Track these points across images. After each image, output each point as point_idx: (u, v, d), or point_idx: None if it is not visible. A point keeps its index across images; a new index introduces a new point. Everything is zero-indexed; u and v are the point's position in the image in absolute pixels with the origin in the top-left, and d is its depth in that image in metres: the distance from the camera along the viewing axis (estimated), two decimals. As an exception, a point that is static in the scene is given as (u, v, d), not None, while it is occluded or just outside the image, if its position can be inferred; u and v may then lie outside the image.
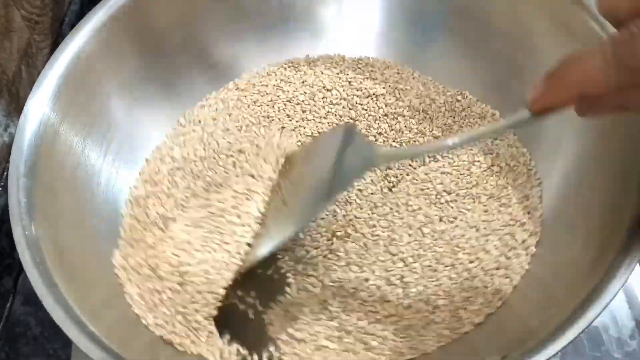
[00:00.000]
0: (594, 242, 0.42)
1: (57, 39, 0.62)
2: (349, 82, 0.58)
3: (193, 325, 0.43)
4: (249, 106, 0.57)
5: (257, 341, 0.45)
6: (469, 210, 0.50)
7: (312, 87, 0.58)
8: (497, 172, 0.52)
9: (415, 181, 0.52)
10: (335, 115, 0.56)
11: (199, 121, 0.56)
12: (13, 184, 0.42)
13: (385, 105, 0.56)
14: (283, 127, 0.55)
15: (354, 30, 0.59)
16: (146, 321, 0.43)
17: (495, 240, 0.48)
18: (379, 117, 0.56)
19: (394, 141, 0.55)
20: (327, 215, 0.51)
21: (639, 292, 0.52)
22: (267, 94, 0.57)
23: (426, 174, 0.52)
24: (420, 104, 0.56)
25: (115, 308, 0.43)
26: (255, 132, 0.55)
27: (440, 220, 0.50)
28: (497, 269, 0.47)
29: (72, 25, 0.50)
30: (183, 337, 0.43)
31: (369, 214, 0.50)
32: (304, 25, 0.59)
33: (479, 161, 0.53)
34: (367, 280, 0.47)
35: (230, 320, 0.45)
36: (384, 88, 0.57)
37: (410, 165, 0.53)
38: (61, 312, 0.38)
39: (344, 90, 0.57)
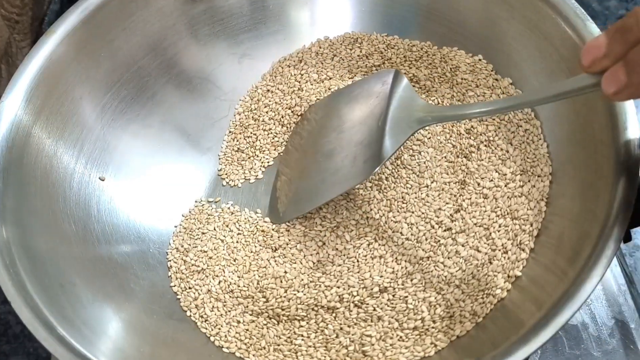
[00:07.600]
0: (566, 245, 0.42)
1: (36, 39, 0.62)
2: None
3: None
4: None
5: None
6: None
7: None
8: None
9: None
10: None
11: None
12: (-17, 187, 0.42)
13: None
14: None
15: (326, 33, 0.58)
16: None
17: None
18: None
19: None
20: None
21: (617, 291, 0.52)
22: None
23: None
24: None
25: (88, 309, 0.43)
26: None
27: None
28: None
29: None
30: None
31: None
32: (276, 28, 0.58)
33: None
34: None
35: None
36: None
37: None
38: (30, 314, 0.38)
39: None
